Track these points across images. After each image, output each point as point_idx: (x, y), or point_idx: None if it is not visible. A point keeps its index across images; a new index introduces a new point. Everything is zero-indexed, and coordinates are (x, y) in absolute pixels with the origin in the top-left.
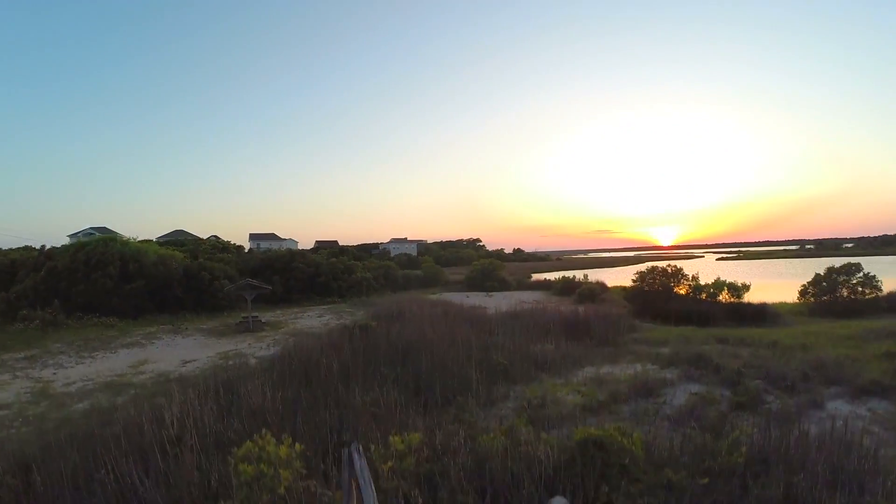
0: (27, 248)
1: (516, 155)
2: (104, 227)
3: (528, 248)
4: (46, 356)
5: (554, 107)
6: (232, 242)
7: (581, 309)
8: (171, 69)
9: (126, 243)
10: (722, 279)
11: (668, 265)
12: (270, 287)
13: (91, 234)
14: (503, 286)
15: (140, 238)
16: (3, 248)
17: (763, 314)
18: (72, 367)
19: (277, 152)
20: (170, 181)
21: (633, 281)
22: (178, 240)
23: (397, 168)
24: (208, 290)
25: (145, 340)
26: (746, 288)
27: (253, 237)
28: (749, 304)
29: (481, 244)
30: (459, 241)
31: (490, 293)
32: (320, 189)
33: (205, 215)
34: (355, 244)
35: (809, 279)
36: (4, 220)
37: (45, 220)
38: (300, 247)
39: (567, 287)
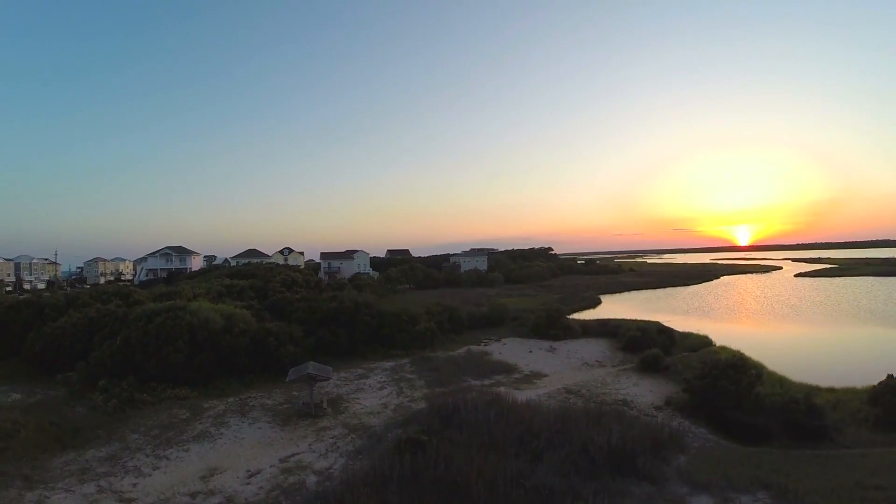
0: (104, 299)
1: (592, 154)
2: (180, 247)
3: (602, 249)
4: (125, 455)
5: (632, 102)
6: (300, 266)
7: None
8: (245, 91)
9: (194, 312)
10: (789, 377)
11: (734, 358)
12: (331, 375)
13: (168, 253)
14: (567, 333)
15: (213, 253)
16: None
17: (823, 430)
18: (149, 474)
19: (346, 166)
20: (242, 197)
21: (689, 381)
22: (249, 267)
23: (470, 173)
24: (274, 356)
25: (214, 429)
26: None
27: (325, 256)
28: (807, 413)
29: (553, 251)
30: (531, 250)
31: (553, 345)
32: (390, 196)
33: (275, 228)
34: (426, 255)
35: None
36: (83, 236)
37: (125, 235)
38: (371, 255)
39: (633, 343)
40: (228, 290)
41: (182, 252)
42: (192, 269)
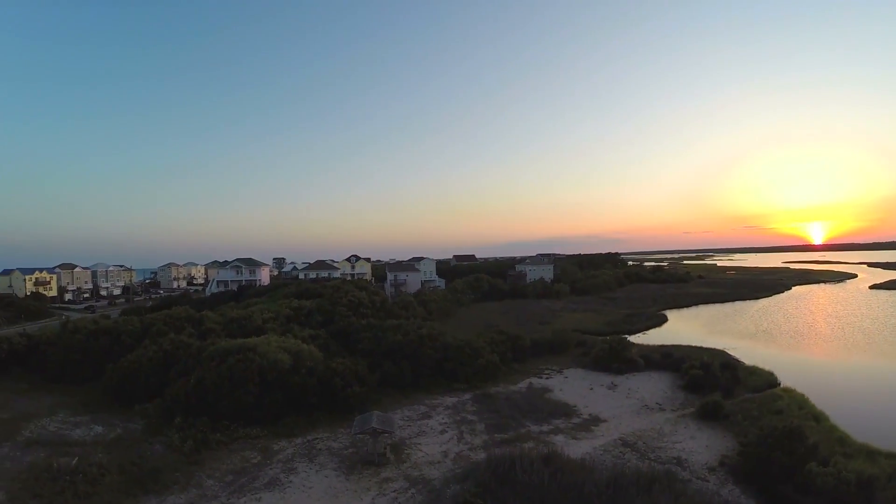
0: (177, 326)
1: (660, 151)
2: (250, 258)
3: (670, 248)
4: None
5: (699, 98)
6: (367, 278)
7: None
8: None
9: (264, 354)
10: (851, 434)
11: (792, 427)
12: (394, 429)
13: (238, 266)
14: (630, 367)
15: (282, 255)
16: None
17: None
18: None
19: (411, 167)
20: (310, 199)
21: (744, 446)
22: (316, 285)
23: (535, 172)
24: (340, 396)
25: (283, 476)
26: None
27: (391, 267)
28: (857, 496)
29: (620, 256)
30: (597, 255)
31: (615, 381)
32: (457, 197)
33: (342, 231)
34: (493, 254)
35: None
36: (157, 240)
37: (197, 238)
38: (437, 257)
39: (695, 382)
40: (296, 314)
41: (252, 264)
42: (262, 282)
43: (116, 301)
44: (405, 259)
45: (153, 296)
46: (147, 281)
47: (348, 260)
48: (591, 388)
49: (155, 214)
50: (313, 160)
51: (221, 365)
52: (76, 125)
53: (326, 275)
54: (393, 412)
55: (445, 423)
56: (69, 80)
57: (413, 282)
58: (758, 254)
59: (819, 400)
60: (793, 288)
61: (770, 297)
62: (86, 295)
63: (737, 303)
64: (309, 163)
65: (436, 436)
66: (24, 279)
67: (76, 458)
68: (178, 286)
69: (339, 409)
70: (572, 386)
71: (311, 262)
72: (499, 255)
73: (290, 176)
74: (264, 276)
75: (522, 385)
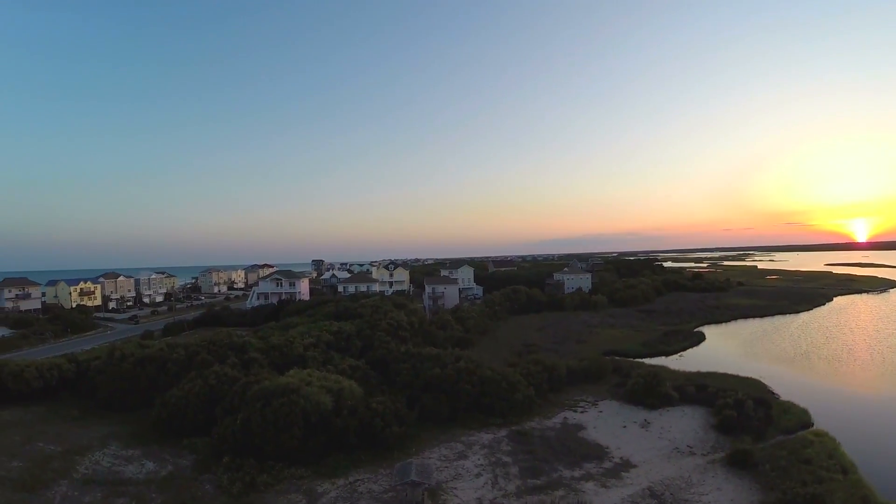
0: (220, 355)
1: (700, 147)
2: (289, 270)
3: (710, 245)
4: None
5: (738, 93)
6: (405, 291)
7: None
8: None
9: (307, 397)
10: (876, 491)
11: (813, 494)
12: (431, 482)
13: (278, 278)
14: (664, 402)
15: (321, 257)
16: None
17: None
18: None
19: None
20: (345, 201)
21: None
22: (356, 304)
23: (577, 170)
24: (380, 436)
25: None
26: None
27: (429, 280)
28: None
29: (660, 256)
30: (636, 261)
31: (648, 418)
32: (495, 195)
33: (379, 231)
34: (533, 252)
35: None
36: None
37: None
38: (473, 255)
39: (727, 423)
40: (336, 339)
41: (291, 276)
42: (301, 294)
43: (158, 309)
44: (442, 258)
45: (194, 302)
46: (188, 286)
47: (386, 268)
48: (625, 426)
49: (196, 217)
50: (348, 162)
51: (266, 408)
52: (120, 140)
53: (365, 288)
54: (430, 450)
55: (481, 464)
56: (122, 97)
57: (451, 294)
58: (799, 252)
59: (851, 443)
60: (834, 299)
61: (811, 311)
62: (129, 303)
63: (776, 317)
64: (344, 164)
65: (471, 479)
66: (70, 290)
67: (133, 502)
68: (219, 291)
69: (379, 447)
70: (606, 422)
71: (347, 261)
72: (536, 252)
73: (326, 177)
74: (303, 288)
75: (557, 420)
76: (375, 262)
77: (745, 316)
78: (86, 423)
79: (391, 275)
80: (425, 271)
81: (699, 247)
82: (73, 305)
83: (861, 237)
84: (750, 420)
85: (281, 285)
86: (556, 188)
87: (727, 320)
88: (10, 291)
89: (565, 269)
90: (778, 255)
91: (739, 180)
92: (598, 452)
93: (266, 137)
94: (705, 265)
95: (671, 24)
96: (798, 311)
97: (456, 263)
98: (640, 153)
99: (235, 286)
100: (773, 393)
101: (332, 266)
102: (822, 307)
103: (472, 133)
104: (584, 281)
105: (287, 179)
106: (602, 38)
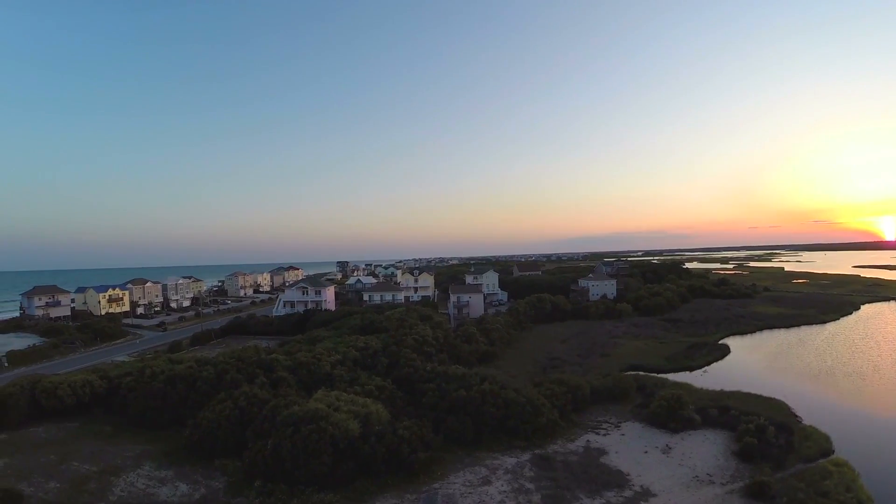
0: (249, 373)
1: (727, 144)
2: (315, 278)
3: (736, 244)
4: None
5: (763, 88)
6: (430, 296)
7: None
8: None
9: (336, 424)
10: None
11: None
12: None
13: (304, 287)
14: (686, 425)
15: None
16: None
17: None
18: None
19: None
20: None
21: None
22: (380, 320)
23: (603, 166)
24: (407, 461)
25: None
26: None
27: (454, 289)
28: None
29: (684, 262)
30: (661, 265)
31: (670, 443)
32: (520, 191)
33: (403, 228)
34: (557, 250)
35: None
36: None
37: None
38: (497, 254)
39: (748, 450)
40: (363, 355)
41: (317, 284)
42: (327, 302)
43: (186, 314)
44: (466, 256)
45: (221, 307)
46: (214, 289)
47: (411, 273)
48: (646, 452)
49: (225, 217)
50: (372, 161)
51: (296, 434)
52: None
53: (391, 297)
54: (455, 474)
55: (504, 491)
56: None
57: (476, 303)
58: (826, 252)
59: (870, 473)
60: (861, 308)
61: (837, 321)
62: (157, 308)
63: (802, 328)
64: (368, 164)
65: None
66: (98, 297)
67: None
68: (245, 294)
69: (405, 472)
70: (628, 447)
71: (371, 261)
72: (561, 250)
73: (353, 177)
74: (329, 296)
75: (580, 443)
76: (401, 262)
77: (771, 326)
78: (118, 440)
79: (416, 280)
80: (450, 274)
81: (725, 245)
82: (103, 312)
83: (890, 235)
84: (771, 447)
85: (307, 294)
86: (586, 187)
87: (753, 331)
88: (40, 300)
89: (590, 275)
90: (805, 255)
91: (766, 178)
92: (618, 480)
93: (295, 141)
94: (732, 267)
95: (704, 19)
96: (825, 321)
97: (481, 267)
98: (668, 152)
99: (261, 289)
100: (796, 416)
101: (356, 267)
102: (850, 316)
103: (506, 133)
104: (608, 287)
105: (312, 180)
106: (630, 35)
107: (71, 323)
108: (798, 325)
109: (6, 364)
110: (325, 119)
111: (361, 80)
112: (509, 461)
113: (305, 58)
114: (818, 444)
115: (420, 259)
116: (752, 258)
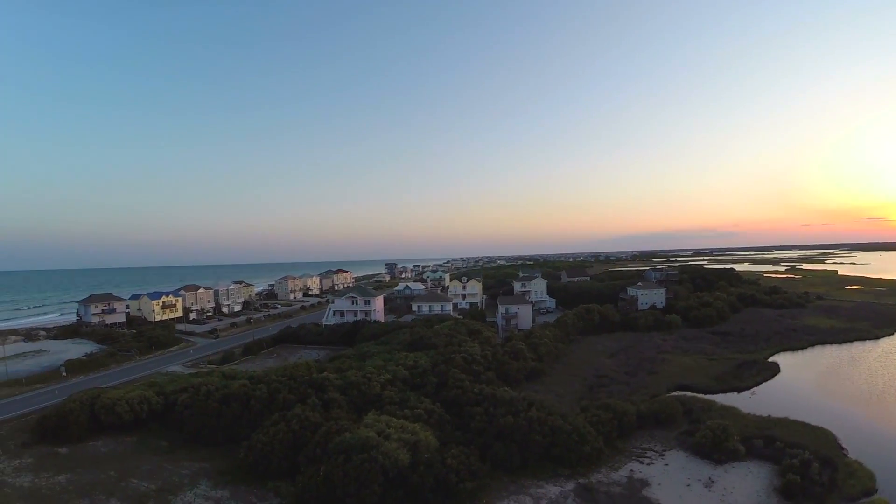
0: (300, 392)
1: (774, 141)
2: (364, 288)
3: (789, 242)
4: None
5: (813, 84)
6: (478, 305)
7: None
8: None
9: (386, 454)
10: None
11: None
12: None
13: (353, 297)
14: (731, 456)
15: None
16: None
17: None
18: None
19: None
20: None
21: None
22: (429, 335)
23: (646, 164)
24: (454, 490)
25: None
26: None
27: (503, 300)
28: None
29: (735, 264)
30: (712, 271)
31: (713, 476)
32: (564, 192)
33: (451, 227)
34: (602, 250)
35: None
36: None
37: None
38: (544, 253)
39: (790, 488)
40: (412, 374)
41: (366, 294)
42: (376, 312)
43: (237, 320)
44: (514, 255)
45: (271, 311)
46: (264, 293)
47: (459, 280)
48: (689, 485)
49: (272, 214)
50: (420, 160)
51: (348, 463)
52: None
53: (440, 308)
54: (500, 503)
55: None
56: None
57: (524, 314)
58: (881, 252)
59: None
60: None
61: (892, 336)
62: (209, 314)
63: (855, 344)
64: (415, 162)
65: None
66: (153, 304)
67: None
68: (294, 297)
69: (452, 499)
70: (670, 478)
71: (419, 261)
72: (609, 249)
73: (395, 176)
74: (378, 306)
75: (623, 473)
76: (448, 262)
77: (823, 341)
78: (175, 457)
79: (464, 286)
80: (498, 277)
81: (776, 244)
82: (157, 319)
83: None
84: (814, 485)
85: (356, 303)
86: (635, 184)
87: (804, 347)
88: (96, 307)
89: (639, 283)
90: (859, 256)
91: (818, 174)
92: None
93: (345, 139)
94: (783, 270)
95: (755, 14)
96: (878, 336)
97: (528, 271)
98: (719, 148)
99: (310, 293)
100: (842, 448)
101: (404, 269)
102: None
103: (552, 130)
104: (657, 297)
105: (360, 178)
106: (678, 29)
107: (126, 330)
108: (851, 340)
109: (64, 373)
110: (374, 118)
111: (409, 79)
112: (553, 490)
113: (352, 56)
114: (861, 483)
115: (467, 259)
116: (804, 258)
